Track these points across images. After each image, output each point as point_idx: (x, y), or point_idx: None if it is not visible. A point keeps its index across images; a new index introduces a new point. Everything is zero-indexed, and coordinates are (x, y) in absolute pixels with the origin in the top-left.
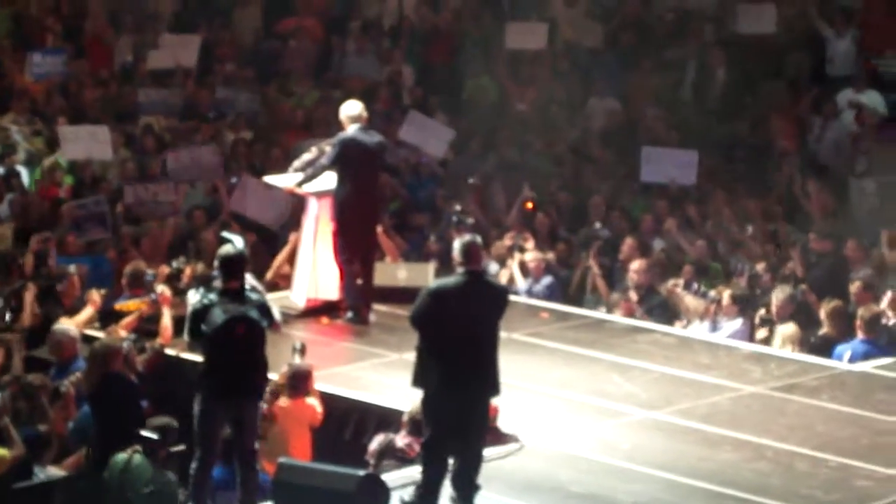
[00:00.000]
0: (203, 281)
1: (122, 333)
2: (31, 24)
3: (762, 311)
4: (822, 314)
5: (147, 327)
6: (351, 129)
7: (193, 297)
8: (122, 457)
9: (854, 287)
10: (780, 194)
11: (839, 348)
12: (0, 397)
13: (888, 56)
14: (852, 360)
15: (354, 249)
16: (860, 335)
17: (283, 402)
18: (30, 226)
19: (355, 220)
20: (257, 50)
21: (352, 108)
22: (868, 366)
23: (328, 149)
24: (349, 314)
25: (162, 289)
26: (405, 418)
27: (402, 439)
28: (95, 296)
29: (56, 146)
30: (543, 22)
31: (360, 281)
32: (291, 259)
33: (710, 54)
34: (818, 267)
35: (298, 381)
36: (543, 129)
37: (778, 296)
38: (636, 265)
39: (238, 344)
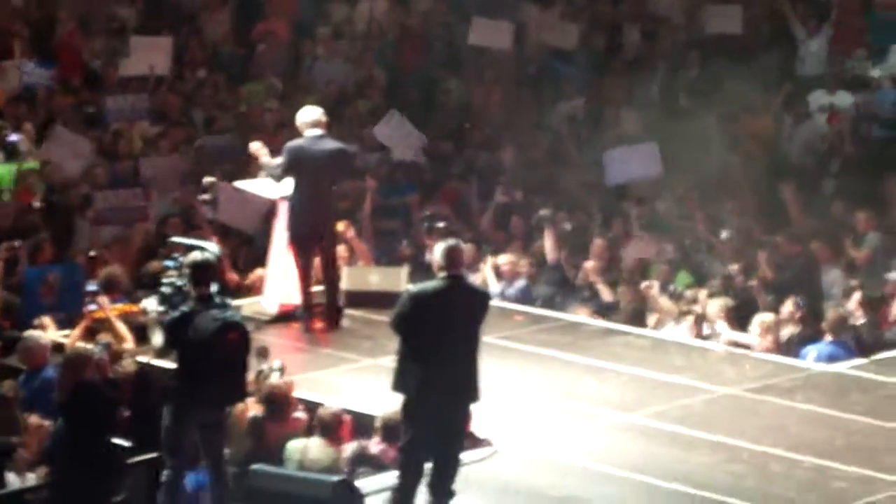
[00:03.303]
0: (149, 284)
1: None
2: None
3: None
4: (785, 314)
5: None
6: (303, 137)
7: (151, 305)
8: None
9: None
10: (753, 195)
11: (805, 349)
12: None
13: (859, 56)
14: (817, 361)
15: (309, 254)
16: (827, 337)
17: (270, 425)
18: (3, 233)
19: (307, 228)
20: (226, 54)
21: (307, 115)
22: (843, 366)
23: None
24: (301, 326)
25: (102, 299)
26: (378, 424)
27: (375, 445)
28: (47, 321)
29: (14, 156)
30: (509, 21)
31: (322, 287)
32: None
33: (679, 55)
34: (788, 269)
35: (279, 406)
36: (514, 132)
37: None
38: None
39: (229, 350)
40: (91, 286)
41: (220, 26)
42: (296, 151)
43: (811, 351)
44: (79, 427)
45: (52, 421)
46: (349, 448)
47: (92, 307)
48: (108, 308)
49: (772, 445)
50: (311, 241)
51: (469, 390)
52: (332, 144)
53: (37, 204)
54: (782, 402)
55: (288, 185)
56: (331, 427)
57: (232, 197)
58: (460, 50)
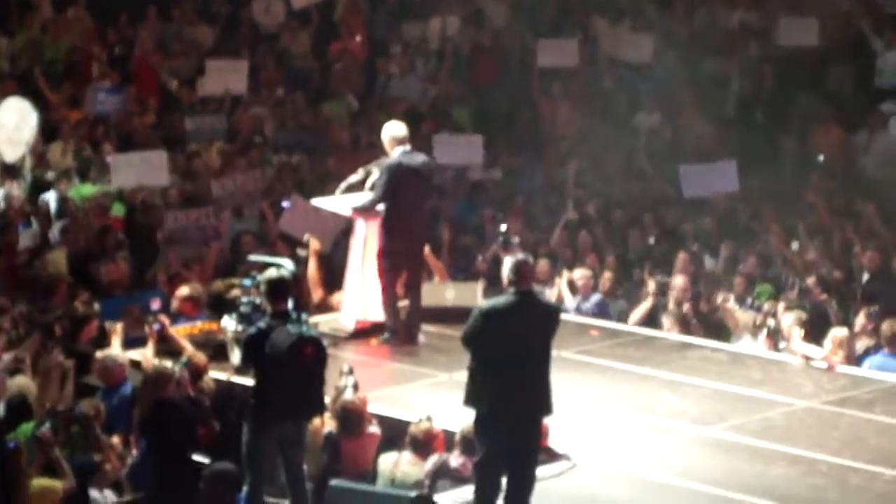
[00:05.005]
0: (221, 302)
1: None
2: (77, 52)
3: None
4: (858, 326)
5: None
6: (396, 153)
7: (230, 324)
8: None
9: None
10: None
11: (867, 360)
12: (48, 428)
13: None
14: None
15: (399, 271)
16: (886, 349)
17: (345, 441)
18: (84, 253)
19: (401, 242)
20: (304, 73)
21: (396, 130)
22: None
23: (375, 173)
24: (385, 335)
25: (163, 318)
26: (458, 438)
27: (455, 459)
28: (117, 327)
29: (91, 175)
30: (574, 38)
31: (405, 302)
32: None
33: (754, 68)
34: (873, 281)
35: (353, 422)
36: (588, 146)
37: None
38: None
39: (305, 365)
40: (154, 306)
41: (299, 45)
42: (396, 169)
43: (867, 361)
44: (160, 445)
45: (128, 437)
46: (430, 461)
47: (155, 326)
48: (169, 327)
49: (851, 458)
50: (404, 258)
51: (541, 404)
52: (421, 158)
53: (109, 223)
54: (861, 414)
55: (364, 199)
56: (421, 442)
57: (307, 212)
58: (533, 66)
